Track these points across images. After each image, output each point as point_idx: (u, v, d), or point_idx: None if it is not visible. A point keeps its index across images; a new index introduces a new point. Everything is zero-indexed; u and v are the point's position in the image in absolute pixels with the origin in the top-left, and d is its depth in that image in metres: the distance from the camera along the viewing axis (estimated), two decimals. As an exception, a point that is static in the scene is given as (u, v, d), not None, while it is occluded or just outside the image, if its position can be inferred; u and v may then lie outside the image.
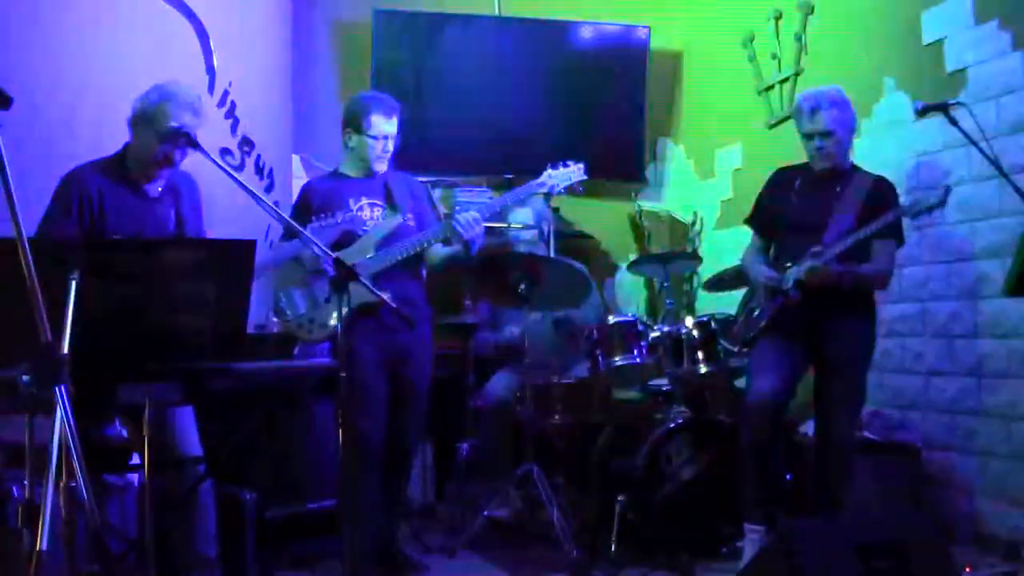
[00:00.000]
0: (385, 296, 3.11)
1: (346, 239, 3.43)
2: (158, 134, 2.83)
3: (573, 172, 3.70)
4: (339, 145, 3.74)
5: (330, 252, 2.83)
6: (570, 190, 3.71)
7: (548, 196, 3.76)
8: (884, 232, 3.34)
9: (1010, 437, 3.73)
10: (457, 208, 4.89)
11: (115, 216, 2.85)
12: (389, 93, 3.81)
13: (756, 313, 3.55)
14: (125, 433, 2.65)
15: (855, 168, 3.53)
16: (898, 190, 3.57)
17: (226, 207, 3.42)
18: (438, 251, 3.66)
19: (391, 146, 3.61)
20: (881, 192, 3.42)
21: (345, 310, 2.63)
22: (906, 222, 3.48)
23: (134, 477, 2.83)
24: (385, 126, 3.56)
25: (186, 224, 3.03)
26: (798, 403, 3.62)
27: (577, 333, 4.47)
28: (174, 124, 2.82)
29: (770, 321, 3.46)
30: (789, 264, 3.42)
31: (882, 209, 3.32)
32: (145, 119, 2.87)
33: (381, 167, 3.62)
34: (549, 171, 3.69)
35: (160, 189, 2.99)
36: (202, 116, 2.97)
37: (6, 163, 1.69)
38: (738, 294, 3.80)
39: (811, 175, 3.53)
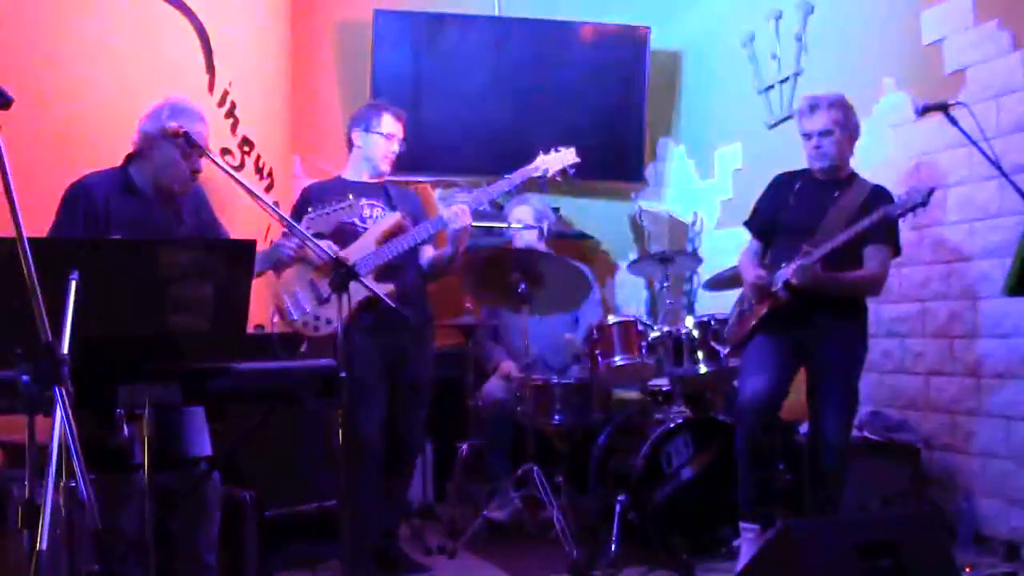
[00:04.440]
0: (384, 295, 3.12)
1: (344, 235, 3.44)
2: (180, 149, 2.82)
3: (566, 155, 3.72)
4: (339, 146, 3.74)
5: (330, 252, 2.83)
6: (563, 174, 3.72)
7: (542, 181, 3.74)
8: (876, 237, 3.34)
9: (1010, 437, 3.73)
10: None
11: (121, 226, 2.84)
12: (389, 93, 3.81)
13: (746, 315, 3.57)
14: (126, 432, 2.65)
15: (855, 176, 3.53)
16: (898, 193, 3.57)
17: (226, 207, 3.42)
18: (423, 258, 3.66)
19: (396, 148, 3.62)
20: (877, 200, 3.40)
21: (345, 310, 2.63)
22: (905, 231, 3.47)
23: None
24: (394, 126, 3.60)
25: (188, 226, 3.01)
26: (799, 404, 3.62)
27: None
28: (173, 124, 2.81)
29: (760, 322, 3.47)
30: (783, 265, 3.42)
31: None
32: (164, 137, 2.85)
33: (386, 167, 3.63)
34: (542, 156, 3.71)
35: (162, 196, 2.97)
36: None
37: (6, 163, 1.69)
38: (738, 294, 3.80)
39: (811, 180, 3.53)
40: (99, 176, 2.91)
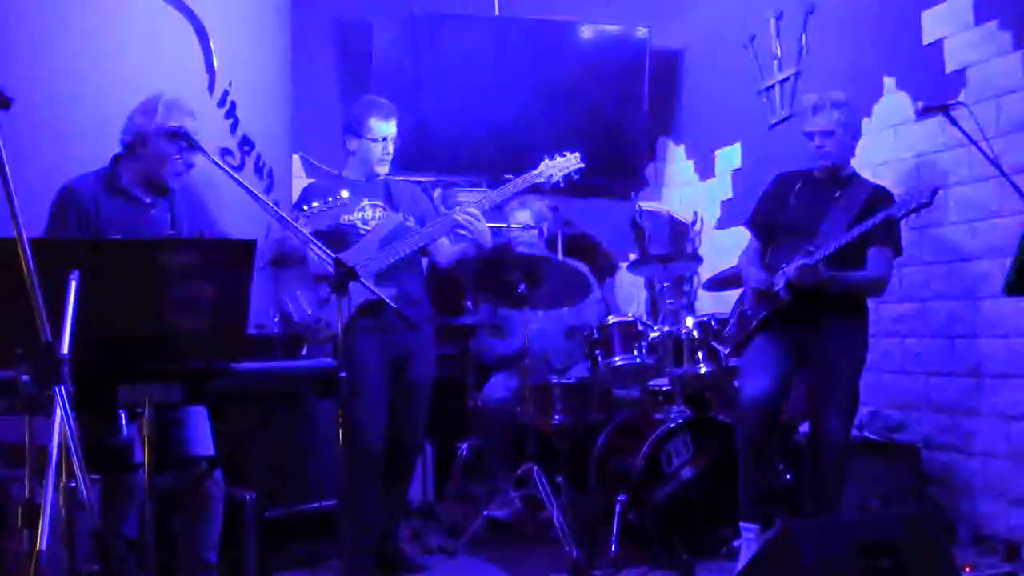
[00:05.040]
0: (386, 296, 3.11)
1: (344, 236, 3.43)
2: (175, 144, 2.82)
3: (570, 161, 3.72)
4: (339, 145, 3.74)
5: (330, 252, 2.82)
6: (567, 179, 3.72)
7: (545, 187, 3.75)
8: (880, 239, 3.35)
9: (1010, 437, 3.73)
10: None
11: (112, 227, 2.83)
12: (389, 93, 3.80)
13: (747, 316, 3.57)
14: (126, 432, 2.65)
15: (855, 176, 3.54)
16: (898, 192, 3.57)
17: (226, 207, 3.42)
18: (447, 250, 3.67)
19: (391, 147, 3.62)
20: (878, 200, 3.41)
21: (345, 311, 2.63)
22: (905, 231, 3.47)
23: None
24: (383, 128, 3.58)
25: (181, 225, 3.01)
26: (799, 404, 3.62)
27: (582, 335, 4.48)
28: (173, 124, 2.81)
29: (761, 322, 3.48)
30: (784, 266, 3.43)
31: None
32: (157, 132, 2.84)
33: (382, 169, 3.63)
34: (546, 161, 3.71)
35: (153, 195, 2.96)
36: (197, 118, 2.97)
37: (6, 163, 1.69)
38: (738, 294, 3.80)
39: (812, 180, 3.54)
40: (86, 178, 2.89)
